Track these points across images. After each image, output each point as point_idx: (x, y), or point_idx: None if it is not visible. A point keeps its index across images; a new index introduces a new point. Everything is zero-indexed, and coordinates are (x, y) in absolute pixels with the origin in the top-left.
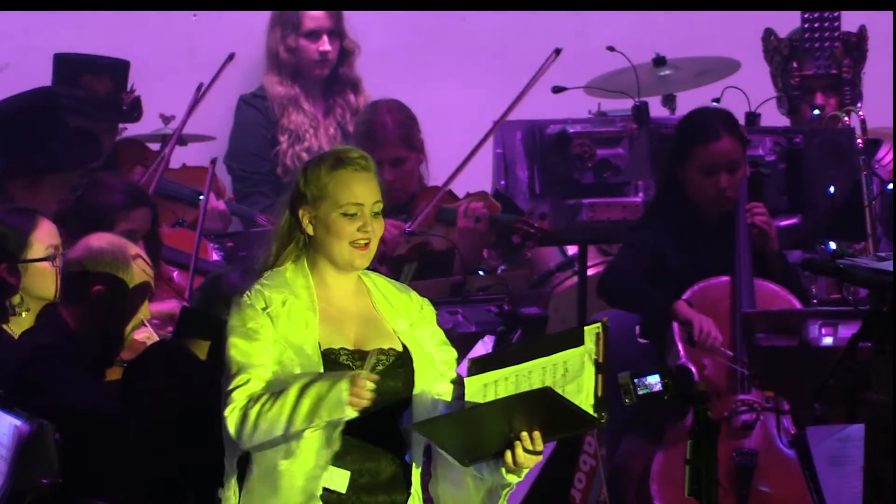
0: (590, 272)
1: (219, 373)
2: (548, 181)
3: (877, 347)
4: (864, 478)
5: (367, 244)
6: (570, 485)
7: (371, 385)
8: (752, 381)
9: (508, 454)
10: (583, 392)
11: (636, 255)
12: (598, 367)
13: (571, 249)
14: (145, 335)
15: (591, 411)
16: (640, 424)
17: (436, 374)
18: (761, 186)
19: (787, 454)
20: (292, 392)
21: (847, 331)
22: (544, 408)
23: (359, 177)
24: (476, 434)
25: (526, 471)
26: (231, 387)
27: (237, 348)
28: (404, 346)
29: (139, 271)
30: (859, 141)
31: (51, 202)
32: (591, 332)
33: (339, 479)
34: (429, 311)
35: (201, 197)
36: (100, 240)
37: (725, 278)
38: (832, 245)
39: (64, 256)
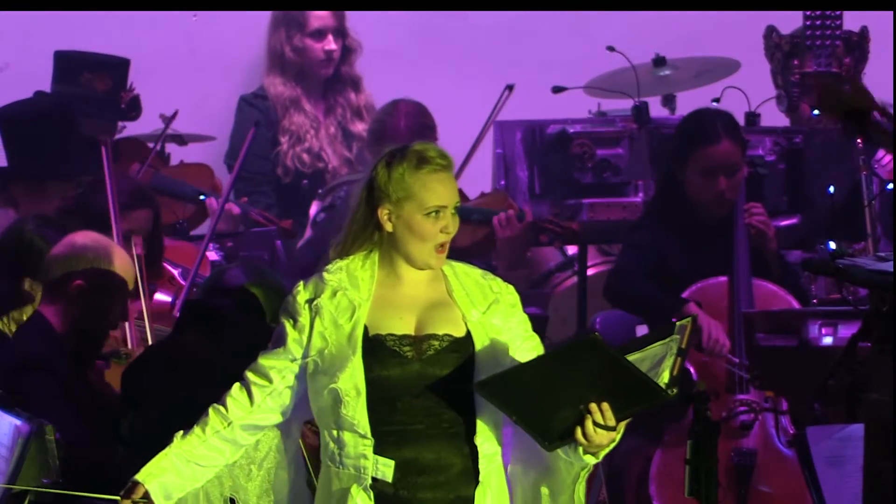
0: (590, 272)
1: (220, 367)
2: (548, 181)
3: (877, 347)
4: (864, 478)
5: (444, 245)
6: None
7: None
8: (752, 383)
9: (579, 430)
10: (661, 376)
11: (639, 256)
12: (679, 352)
13: (571, 249)
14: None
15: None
16: (639, 424)
17: (506, 362)
18: (760, 186)
19: (786, 453)
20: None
21: (847, 331)
22: (604, 370)
23: (442, 177)
24: (543, 401)
25: (605, 451)
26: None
27: (279, 328)
28: (468, 332)
29: (121, 270)
30: (859, 141)
31: (53, 205)
32: (680, 325)
33: (384, 469)
34: (508, 298)
35: (202, 197)
36: (84, 237)
37: (724, 278)
38: (832, 245)
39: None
